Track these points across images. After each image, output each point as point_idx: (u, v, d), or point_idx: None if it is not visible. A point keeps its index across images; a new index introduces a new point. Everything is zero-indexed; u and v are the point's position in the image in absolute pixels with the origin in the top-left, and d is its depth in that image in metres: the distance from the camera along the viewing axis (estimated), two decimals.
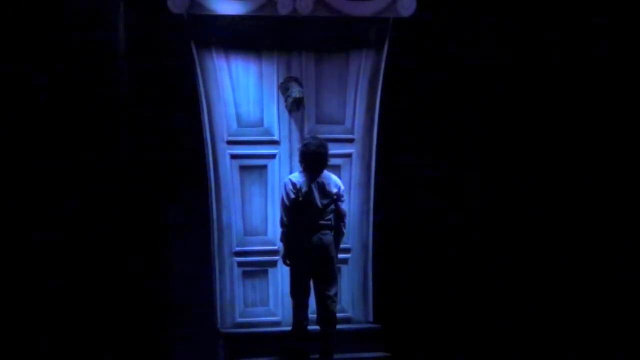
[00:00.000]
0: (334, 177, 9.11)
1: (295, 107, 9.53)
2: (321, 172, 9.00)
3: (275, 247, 9.53)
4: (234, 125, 9.58)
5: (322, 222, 8.93)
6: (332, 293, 8.93)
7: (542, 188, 10.51)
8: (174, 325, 9.76)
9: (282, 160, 9.63)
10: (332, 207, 8.98)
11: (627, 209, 10.59)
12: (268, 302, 9.61)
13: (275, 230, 9.46)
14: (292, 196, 8.90)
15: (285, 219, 8.95)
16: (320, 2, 9.49)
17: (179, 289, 9.77)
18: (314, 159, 8.94)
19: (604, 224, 10.53)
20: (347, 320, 9.61)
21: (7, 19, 9.53)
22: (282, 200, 8.99)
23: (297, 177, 9.02)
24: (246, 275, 9.58)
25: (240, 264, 9.57)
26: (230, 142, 9.57)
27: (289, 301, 9.21)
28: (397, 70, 9.88)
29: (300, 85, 9.54)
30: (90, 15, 9.69)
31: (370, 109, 9.72)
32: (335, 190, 8.99)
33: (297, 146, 9.42)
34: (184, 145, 9.79)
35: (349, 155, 9.73)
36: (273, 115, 9.62)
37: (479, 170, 10.41)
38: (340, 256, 9.23)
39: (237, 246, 9.57)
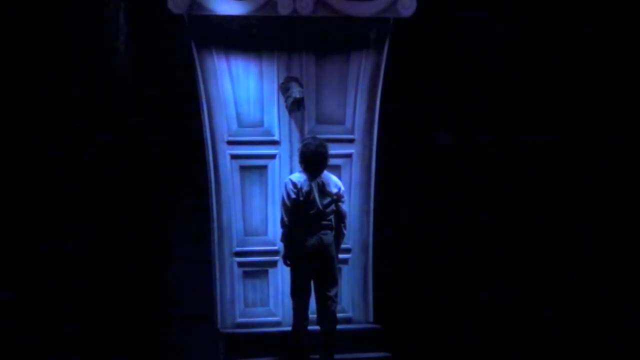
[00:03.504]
0: (334, 178, 9.11)
1: (295, 107, 9.53)
2: (321, 172, 9.00)
3: (275, 247, 9.53)
4: (234, 125, 9.58)
5: (322, 222, 8.93)
6: (332, 293, 8.93)
7: (543, 188, 10.51)
8: (174, 325, 9.76)
9: (282, 160, 9.63)
10: (333, 207, 8.98)
11: (627, 210, 10.59)
12: (268, 302, 9.61)
13: (275, 230, 9.46)
14: (293, 196, 8.90)
15: (285, 218, 8.95)
16: (320, 2, 9.49)
17: (179, 289, 9.78)
18: (314, 159, 8.94)
19: (604, 225, 10.53)
20: (347, 320, 9.61)
21: (7, 18, 9.54)
22: (283, 200, 8.99)
23: (298, 176, 9.02)
24: (246, 275, 9.59)
25: (240, 264, 9.57)
26: (230, 142, 9.57)
27: (289, 301, 9.21)
28: (397, 70, 9.88)
29: (300, 85, 9.54)
30: (90, 15, 9.69)
31: (370, 109, 9.73)
32: (335, 190, 8.99)
33: (297, 146, 9.42)
34: (184, 146, 9.79)
35: (349, 155, 9.73)
36: (273, 115, 9.62)
37: (479, 169, 10.41)
38: (340, 256, 9.24)
39: (237, 246, 9.57)
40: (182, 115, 9.74)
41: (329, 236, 8.94)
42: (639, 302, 10.42)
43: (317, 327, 8.99)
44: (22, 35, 9.56)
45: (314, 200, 8.93)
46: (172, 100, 9.78)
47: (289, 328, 9.15)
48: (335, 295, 9.00)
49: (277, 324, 9.55)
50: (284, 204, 8.97)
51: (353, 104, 9.74)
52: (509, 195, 10.47)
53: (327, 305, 8.90)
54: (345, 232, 9.14)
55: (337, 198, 9.00)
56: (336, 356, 8.99)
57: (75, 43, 9.66)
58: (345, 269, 9.67)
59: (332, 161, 9.14)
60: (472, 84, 10.39)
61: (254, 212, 9.61)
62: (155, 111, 9.82)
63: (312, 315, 9.05)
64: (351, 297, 9.72)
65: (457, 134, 10.38)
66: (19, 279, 9.49)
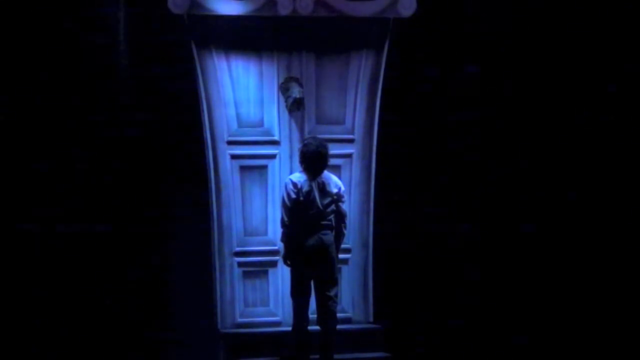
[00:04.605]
0: (334, 178, 9.11)
1: (295, 107, 9.53)
2: (321, 172, 9.00)
3: (275, 247, 9.53)
4: (234, 125, 9.58)
5: (322, 222, 8.93)
6: (332, 293, 8.93)
7: (544, 188, 10.51)
8: (174, 325, 9.76)
9: (282, 160, 9.63)
10: (333, 207, 8.98)
11: (627, 211, 10.60)
12: (268, 302, 9.61)
13: (275, 230, 9.46)
14: (293, 196, 8.90)
15: (285, 218, 8.94)
16: (320, 2, 9.49)
17: (179, 289, 9.78)
18: (314, 159, 8.94)
19: (606, 227, 10.53)
20: (347, 320, 9.61)
21: (7, 18, 9.54)
22: (283, 200, 8.99)
23: (298, 176, 9.02)
24: (246, 275, 9.58)
25: (240, 264, 9.57)
26: (230, 142, 9.57)
27: (289, 301, 9.21)
28: (397, 70, 9.87)
29: (300, 85, 9.54)
30: (90, 16, 9.69)
31: (370, 109, 9.72)
32: (335, 190, 8.99)
33: (297, 146, 9.42)
34: (184, 146, 9.79)
35: (349, 155, 9.73)
36: (273, 115, 9.62)
37: (480, 169, 10.41)
38: (340, 256, 9.23)
39: (237, 246, 9.57)
40: (182, 115, 9.73)
41: (329, 236, 8.94)
42: None
43: (317, 327, 8.99)
44: (22, 36, 9.56)
45: (314, 200, 8.93)
46: (172, 101, 9.78)
47: (289, 328, 9.15)
48: (336, 295, 8.99)
49: (277, 324, 9.55)
50: (284, 203, 8.97)
51: (353, 104, 9.74)
52: (509, 195, 10.47)
53: (327, 306, 8.90)
54: (345, 232, 9.14)
55: (337, 198, 9.00)
56: (336, 356, 8.99)
57: (75, 43, 9.65)
58: (345, 269, 9.66)
59: (332, 161, 9.14)
60: (472, 84, 10.38)
61: (254, 212, 9.60)
62: (155, 111, 9.82)
63: (312, 315, 9.05)
64: (351, 297, 9.72)
65: (456, 133, 10.38)
66: (18, 279, 9.49)
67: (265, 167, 9.63)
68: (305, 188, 8.92)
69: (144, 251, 9.74)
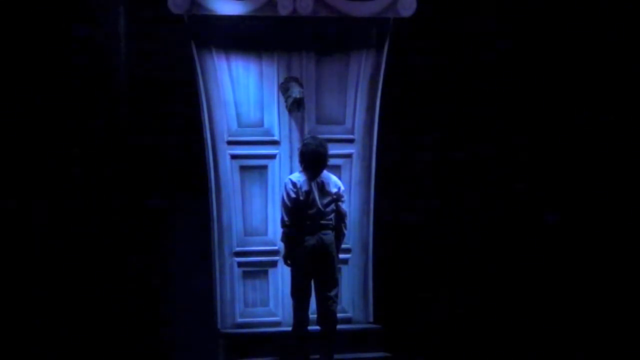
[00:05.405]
0: (334, 177, 9.11)
1: (295, 107, 9.53)
2: (321, 171, 9.00)
3: (275, 247, 9.53)
4: (234, 125, 9.58)
5: (322, 222, 8.93)
6: (332, 293, 8.93)
7: (544, 189, 10.51)
8: (174, 325, 9.76)
9: (282, 160, 9.63)
10: (333, 207, 8.98)
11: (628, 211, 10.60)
12: (268, 302, 9.61)
13: (275, 230, 9.46)
14: (293, 195, 8.90)
15: (285, 218, 8.94)
16: (320, 2, 9.49)
17: (179, 289, 9.78)
18: (314, 159, 8.94)
19: (606, 227, 10.54)
20: (347, 320, 9.61)
21: (7, 18, 9.55)
22: (283, 199, 8.98)
23: (297, 176, 9.02)
24: (246, 275, 9.58)
25: (240, 264, 9.57)
26: (230, 142, 9.57)
27: (289, 301, 9.21)
28: (397, 70, 9.88)
29: (300, 85, 9.54)
30: (90, 15, 9.69)
31: (370, 109, 9.73)
32: (334, 190, 8.99)
33: (297, 146, 9.42)
34: (184, 146, 9.79)
35: (349, 155, 9.73)
36: (273, 115, 9.62)
37: (480, 170, 10.41)
38: (340, 256, 9.23)
39: (237, 246, 9.57)
40: (182, 115, 9.74)
41: (329, 236, 8.94)
42: None
43: (317, 327, 8.99)
44: (23, 35, 9.56)
45: (314, 200, 8.93)
46: (172, 100, 9.78)
47: (289, 328, 9.15)
48: (336, 296, 8.99)
49: (277, 324, 9.55)
50: (284, 203, 8.97)
51: (353, 104, 9.74)
52: (508, 195, 10.47)
53: (327, 306, 8.90)
54: (345, 232, 9.13)
55: (337, 198, 9.00)
56: (336, 356, 8.99)
57: (75, 43, 9.66)
58: (345, 269, 9.66)
59: (332, 161, 9.14)
60: (472, 84, 10.39)
61: (254, 212, 9.61)
62: (155, 111, 9.82)
63: (312, 315, 9.05)
64: (351, 297, 9.72)
65: (456, 133, 10.39)
66: (17, 281, 9.50)
67: (265, 167, 9.63)
68: (305, 188, 8.93)
69: (144, 251, 9.74)
